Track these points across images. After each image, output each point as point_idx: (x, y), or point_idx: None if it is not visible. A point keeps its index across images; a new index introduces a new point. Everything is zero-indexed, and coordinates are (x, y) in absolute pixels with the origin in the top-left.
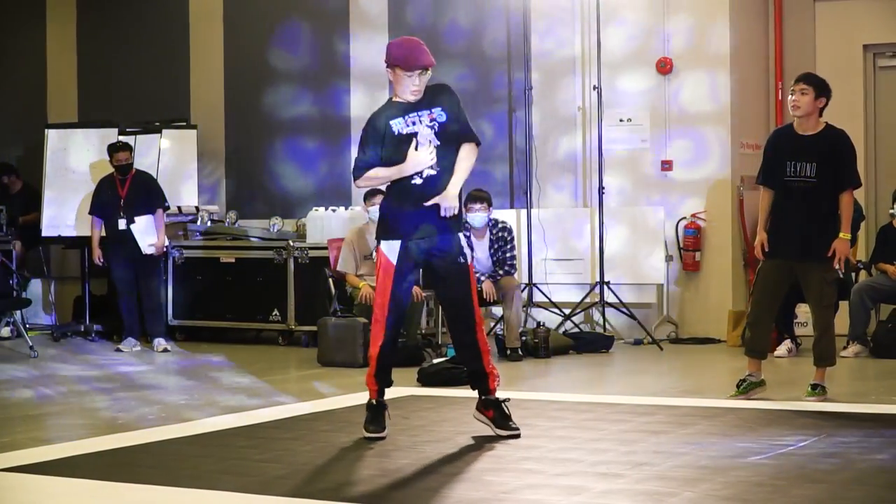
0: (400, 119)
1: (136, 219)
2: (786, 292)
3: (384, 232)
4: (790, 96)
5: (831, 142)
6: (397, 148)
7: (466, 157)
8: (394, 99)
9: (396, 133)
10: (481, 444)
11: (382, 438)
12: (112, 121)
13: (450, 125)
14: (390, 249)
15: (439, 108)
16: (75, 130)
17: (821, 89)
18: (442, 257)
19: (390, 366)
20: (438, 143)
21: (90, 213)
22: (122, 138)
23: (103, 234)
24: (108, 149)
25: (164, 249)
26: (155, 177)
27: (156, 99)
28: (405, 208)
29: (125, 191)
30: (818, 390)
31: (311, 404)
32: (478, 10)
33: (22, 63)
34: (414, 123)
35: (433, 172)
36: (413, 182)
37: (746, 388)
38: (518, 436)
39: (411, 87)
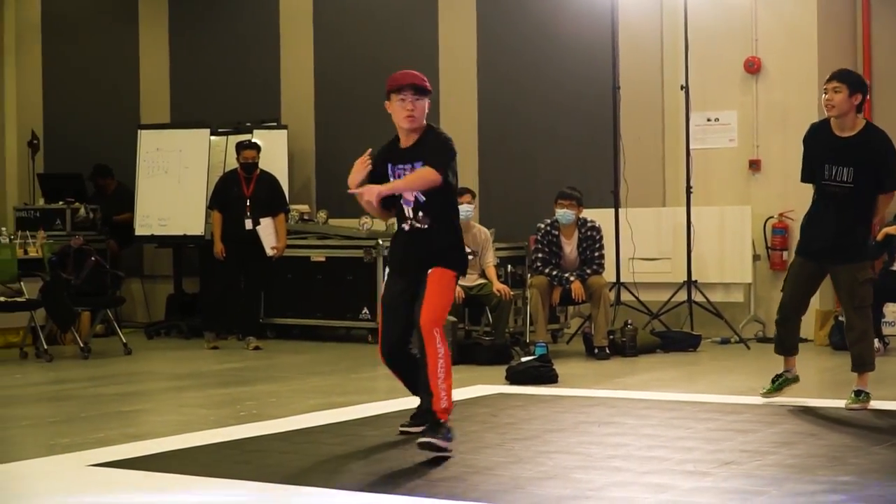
0: (391, 165)
1: (262, 220)
2: (816, 290)
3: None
4: (823, 95)
5: (871, 145)
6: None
7: (417, 173)
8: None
9: (388, 174)
10: (569, 442)
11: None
12: (204, 121)
13: None
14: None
15: (421, 162)
16: (168, 131)
17: (855, 86)
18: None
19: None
20: (423, 198)
21: (210, 207)
22: (249, 139)
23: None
24: (237, 146)
25: (283, 253)
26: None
27: (247, 100)
28: (396, 250)
29: (251, 190)
30: (862, 396)
31: (399, 402)
32: (565, 12)
33: (116, 66)
34: (399, 175)
35: (421, 227)
36: (403, 229)
37: (780, 384)
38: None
39: (403, 111)
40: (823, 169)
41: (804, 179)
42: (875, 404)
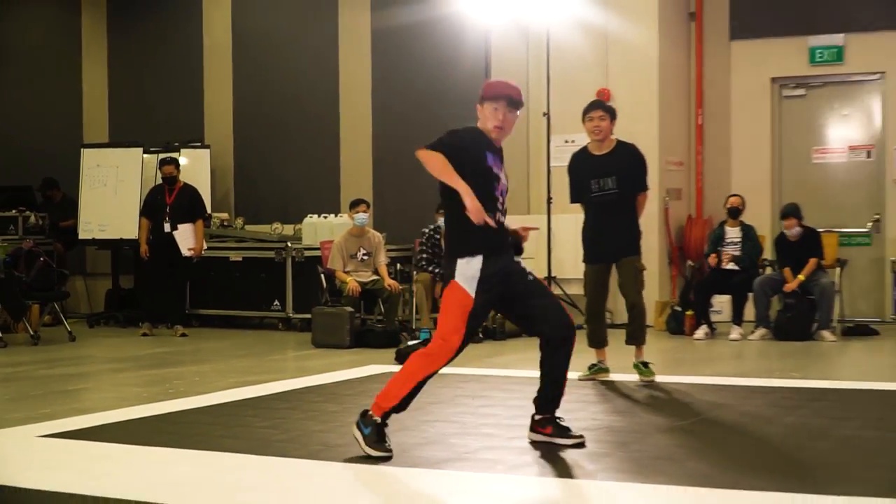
0: (491, 155)
1: (179, 226)
2: (608, 285)
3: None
4: (589, 122)
5: (627, 155)
6: (481, 176)
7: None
8: (482, 130)
9: (489, 165)
10: (447, 412)
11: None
12: (138, 141)
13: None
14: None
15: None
16: (106, 150)
17: (613, 114)
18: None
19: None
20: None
21: (141, 214)
22: (169, 155)
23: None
24: (159, 163)
25: (201, 254)
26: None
27: (175, 123)
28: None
29: (172, 199)
30: (650, 366)
31: (305, 379)
32: (445, 50)
33: (62, 92)
34: (500, 169)
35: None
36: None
37: (596, 371)
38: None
39: (494, 120)
40: (590, 185)
41: (573, 200)
42: (706, 380)
